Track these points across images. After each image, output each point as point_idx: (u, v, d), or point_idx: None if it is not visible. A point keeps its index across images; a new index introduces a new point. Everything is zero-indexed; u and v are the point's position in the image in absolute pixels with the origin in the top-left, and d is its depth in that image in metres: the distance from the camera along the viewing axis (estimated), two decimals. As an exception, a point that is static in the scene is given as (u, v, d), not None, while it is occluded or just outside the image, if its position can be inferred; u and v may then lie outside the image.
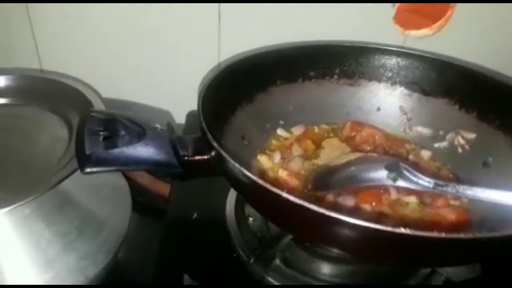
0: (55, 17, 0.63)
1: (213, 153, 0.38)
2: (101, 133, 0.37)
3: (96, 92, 0.55)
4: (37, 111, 0.54)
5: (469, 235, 0.31)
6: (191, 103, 0.64)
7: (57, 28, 0.64)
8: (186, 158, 0.39)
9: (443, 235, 0.30)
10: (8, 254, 0.44)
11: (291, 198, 0.32)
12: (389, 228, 0.31)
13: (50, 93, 0.54)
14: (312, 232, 0.36)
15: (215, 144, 0.37)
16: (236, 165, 0.35)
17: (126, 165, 0.36)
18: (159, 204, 0.61)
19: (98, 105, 0.51)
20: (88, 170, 0.35)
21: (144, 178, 0.64)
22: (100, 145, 0.36)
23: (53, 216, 0.46)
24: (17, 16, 0.63)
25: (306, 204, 0.31)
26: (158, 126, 0.39)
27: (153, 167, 0.37)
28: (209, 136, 0.38)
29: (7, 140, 0.51)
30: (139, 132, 0.38)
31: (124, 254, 0.52)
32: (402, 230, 0.30)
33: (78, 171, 0.41)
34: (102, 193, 0.53)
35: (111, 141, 0.37)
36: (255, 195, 0.37)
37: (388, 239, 0.32)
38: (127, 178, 0.57)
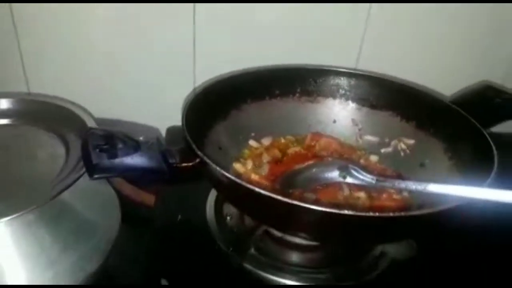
0: (42, 39, 0.70)
1: (197, 160, 0.47)
2: (103, 146, 0.44)
3: (88, 112, 0.61)
4: (35, 131, 0.60)
5: (402, 213, 0.41)
6: (170, 119, 0.73)
7: (44, 50, 0.71)
8: (174, 165, 0.47)
9: (378, 214, 0.39)
10: (15, 256, 0.49)
11: (264, 192, 0.40)
12: (340, 211, 0.40)
13: (47, 114, 0.60)
14: (282, 220, 0.45)
15: (199, 153, 0.45)
16: (218, 168, 0.44)
17: (126, 172, 0.44)
18: (141, 212, 0.66)
19: (92, 124, 0.58)
20: (96, 176, 0.42)
21: (127, 189, 0.71)
22: (104, 156, 0.43)
23: (53, 222, 0.52)
24: (5, 40, 0.69)
25: (278, 196, 0.40)
26: (150, 140, 0.47)
27: (148, 174, 0.45)
28: (194, 146, 0.46)
29: (8, 157, 0.57)
30: (134, 145, 0.46)
31: (115, 254, 0.58)
32: (348, 211, 0.39)
33: (76, 183, 0.49)
34: (94, 202, 0.59)
35: (111, 152, 0.44)
36: (234, 192, 0.45)
37: (340, 220, 0.41)
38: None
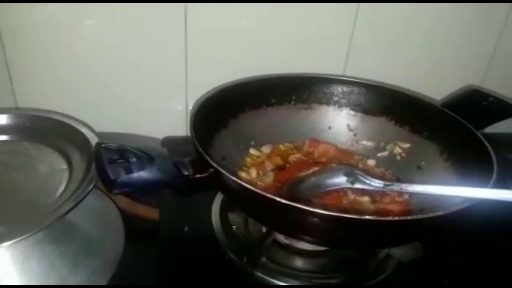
0: (29, 51, 0.68)
1: (211, 171, 0.47)
2: (117, 160, 0.44)
3: (89, 126, 0.61)
4: (35, 146, 0.59)
5: (405, 218, 0.43)
6: (162, 131, 0.74)
7: (32, 63, 0.69)
8: (189, 177, 0.47)
9: (387, 218, 0.41)
10: (26, 275, 0.48)
11: (283, 200, 0.41)
12: (347, 215, 0.41)
13: (46, 129, 0.59)
14: (296, 226, 0.46)
15: (214, 164, 0.46)
16: (234, 178, 0.44)
17: (144, 186, 0.44)
18: (146, 225, 0.65)
19: (94, 139, 0.57)
20: (115, 192, 0.42)
21: (122, 202, 0.70)
22: (121, 171, 0.43)
23: (61, 239, 0.51)
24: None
25: (295, 204, 0.41)
26: (162, 153, 0.47)
27: (165, 187, 0.45)
28: (208, 158, 0.47)
29: (11, 175, 0.55)
30: (148, 159, 0.46)
31: (124, 268, 0.58)
32: (358, 216, 0.41)
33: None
34: (98, 217, 0.59)
35: (127, 166, 0.44)
36: (249, 201, 0.46)
37: (347, 225, 0.42)
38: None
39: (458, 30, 0.75)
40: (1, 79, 0.70)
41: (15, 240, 0.44)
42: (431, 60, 0.77)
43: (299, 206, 0.41)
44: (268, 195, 0.42)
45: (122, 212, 0.62)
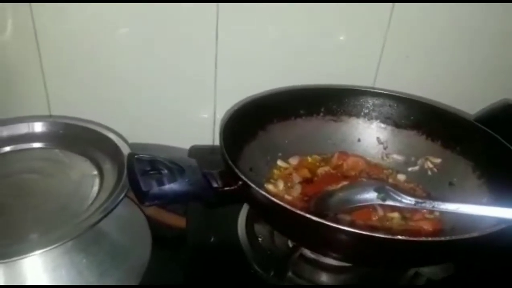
0: (64, 61, 0.70)
1: (240, 184, 0.47)
2: (149, 172, 0.45)
3: (121, 136, 0.62)
4: (68, 154, 0.60)
5: (440, 238, 0.41)
6: (191, 140, 0.74)
7: (66, 73, 0.71)
8: (219, 189, 0.47)
9: (421, 238, 0.40)
10: (55, 283, 0.49)
11: (313, 217, 0.41)
12: (381, 235, 0.40)
13: (79, 138, 0.61)
14: (324, 243, 0.45)
15: (243, 177, 0.46)
16: (263, 193, 0.44)
17: (176, 198, 0.44)
18: (173, 234, 0.66)
19: (126, 149, 0.58)
20: (147, 203, 0.43)
21: (149, 209, 0.71)
22: (153, 183, 0.43)
23: (90, 248, 0.52)
24: (28, 62, 0.69)
25: (324, 221, 0.40)
26: (192, 164, 0.48)
27: (194, 199, 0.45)
28: (237, 171, 0.47)
29: (41, 182, 0.57)
30: (179, 170, 0.46)
31: (150, 276, 0.58)
32: (391, 236, 0.40)
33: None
34: (126, 226, 0.60)
35: (159, 178, 0.45)
36: (279, 215, 0.46)
37: (380, 244, 0.41)
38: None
39: (494, 42, 0.73)
40: (36, 86, 0.72)
41: (46, 249, 0.45)
42: (466, 72, 0.76)
43: (328, 223, 0.40)
44: (298, 211, 0.41)
45: (149, 219, 0.63)
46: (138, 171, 0.44)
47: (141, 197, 0.43)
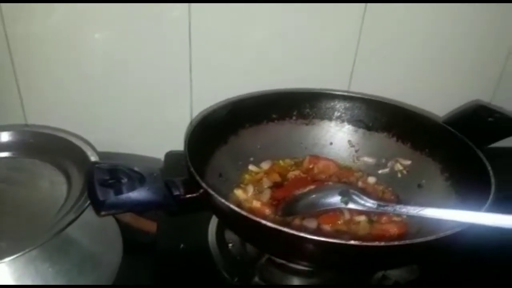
0: (40, 70, 0.70)
1: (201, 191, 0.47)
2: (108, 181, 0.45)
3: (89, 143, 0.62)
4: (36, 163, 0.60)
5: (393, 243, 0.42)
6: (168, 145, 0.74)
7: (40, 81, 0.71)
8: (180, 197, 0.47)
9: (382, 243, 0.40)
10: None
11: (269, 224, 0.41)
12: (343, 241, 0.41)
13: (47, 146, 0.60)
14: (285, 249, 0.46)
15: (204, 185, 0.46)
16: (222, 200, 0.44)
17: (133, 207, 0.44)
18: (143, 239, 0.67)
19: (94, 157, 0.58)
20: (103, 213, 0.43)
21: (126, 217, 0.71)
22: (110, 192, 0.43)
23: (56, 256, 0.51)
24: (1, 70, 0.69)
25: (281, 228, 0.41)
26: (154, 172, 0.48)
27: (154, 207, 0.45)
28: (198, 178, 0.47)
29: (9, 191, 0.57)
30: (139, 178, 0.46)
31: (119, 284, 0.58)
32: (353, 242, 0.40)
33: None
34: (96, 232, 0.59)
35: (117, 188, 0.45)
36: (239, 223, 0.46)
37: (344, 250, 0.41)
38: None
39: (467, 46, 0.74)
40: (11, 94, 0.72)
41: (9, 258, 0.45)
42: (436, 74, 0.76)
43: (285, 229, 0.41)
44: (254, 217, 0.42)
45: (123, 225, 0.63)
46: (96, 180, 0.44)
47: (97, 206, 0.43)
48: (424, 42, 0.73)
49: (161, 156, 0.76)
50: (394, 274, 0.54)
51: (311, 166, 0.67)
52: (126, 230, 0.63)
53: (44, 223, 0.51)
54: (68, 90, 0.72)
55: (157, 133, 0.77)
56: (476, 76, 0.76)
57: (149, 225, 0.67)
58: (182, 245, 0.59)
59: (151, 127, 0.77)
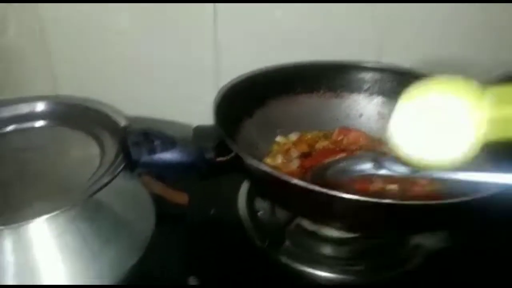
0: (70, 40, 0.71)
1: (232, 154, 0.47)
2: (141, 142, 0.46)
3: (120, 112, 0.63)
4: (70, 132, 0.61)
5: (437, 201, 0.41)
6: (196, 118, 0.75)
7: (72, 52, 0.72)
8: (211, 160, 0.48)
9: (419, 202, 0.40)
10: (60, 249, 0.50)
11: (302, 182, 0.41)
12: (369, 199, 0.40)
13: (81, 116, 0.62)
14: (319, 211, 0.46)
15: (234, 146, 0.46)
16: (253, 160, 0.45)
17: (165, 167, 0.45)
18: (175, 210, 0.67)
19: (126, 123, 0.59)
20: (138, 171, 0.44)
21: (158, 188, 0.72)
22: (143, 151, 0.44)
23: (93, 218, 0.53)
24: (33, 41, 0.71)
25: (315, 187, 0.41)
26: (185, 137, 0.48)
27: (186, 169, 0.46)
28: (229, 140, 0.47)
29: (46, 158, 0.58)
30: (171, 141, 0.47)
31: (152, 250, 0.59)
32: (389, 200, 0.40)
33: (112, 183, 0.51)
34: (130, 200, 0.60)
35: (150, 148, 0.45)
36: (269, 184, 0.46)
37: (378, 209, 0.41)
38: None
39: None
40: (43, 65, 0.73)
41: (50, 215, 0.47)
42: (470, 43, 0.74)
43: (316, 188, 0.41)
44: (284, 177, 0.42)
45: (157, 197, 0.64)
46: (130, 142, 0.45)
47: (131, 165, 0.43)
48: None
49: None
50: (427, 243, 0.53)
51: (340, 138, 0.66)
52: (158, 202, 0.64)
53: (79, 186, 0.52)
54: (95, 61, 0.73)
55: (185, 107, 0.78)
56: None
57: (181, 197, 0.68)
58: (212, 211, 0.59)
59: (178, 101, 0.78)
